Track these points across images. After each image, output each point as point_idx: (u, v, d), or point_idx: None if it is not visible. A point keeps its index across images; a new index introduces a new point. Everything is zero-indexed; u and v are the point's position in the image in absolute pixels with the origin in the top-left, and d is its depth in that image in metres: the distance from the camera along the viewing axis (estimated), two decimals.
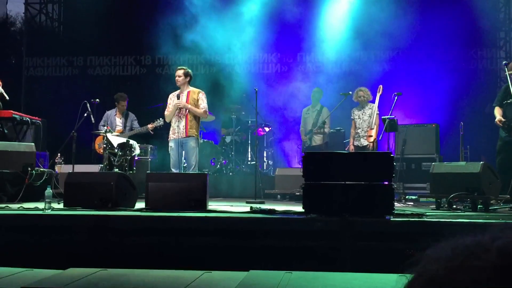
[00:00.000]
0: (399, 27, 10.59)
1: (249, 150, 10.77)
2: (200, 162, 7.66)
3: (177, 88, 7.69)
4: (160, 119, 9.07)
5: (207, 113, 7.66)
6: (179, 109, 7.44)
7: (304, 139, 9.77)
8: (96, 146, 9.34)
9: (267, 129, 10.91)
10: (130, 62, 13.13)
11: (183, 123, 7.41)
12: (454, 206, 5.76)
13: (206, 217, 4.82)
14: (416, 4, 10.93)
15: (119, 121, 9.37)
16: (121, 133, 9.10)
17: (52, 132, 10.27)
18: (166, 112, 7.70)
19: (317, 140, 9.55)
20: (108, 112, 9.47)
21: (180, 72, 7.58)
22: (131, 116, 9.50)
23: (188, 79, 7.59)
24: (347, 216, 4.51)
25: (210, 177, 5.78)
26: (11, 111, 7.95)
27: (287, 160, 11.38)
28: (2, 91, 7.83)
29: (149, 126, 9.07)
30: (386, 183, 4.67)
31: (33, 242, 4.71)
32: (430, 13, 10.99)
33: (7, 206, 5.78)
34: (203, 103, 7.53)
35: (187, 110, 7.42)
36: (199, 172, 7.65)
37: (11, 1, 17.83)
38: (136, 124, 9.40)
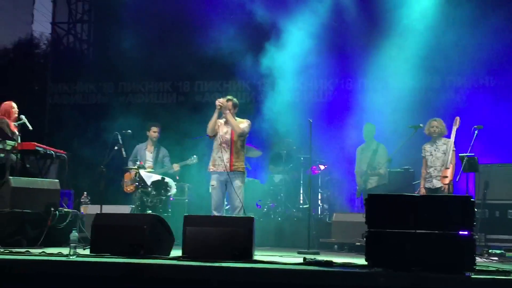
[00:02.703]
0: (482, 48, 10.50)
1: (302, 192, 10.75)
2: (244, 205, 7.70)
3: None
4: (195, 156, 9.23)
5: (243, 132, 7.63)
6: (221, 138, 7.56)
7: (359, 181, 9.71)
8: (124, 184, 9.53)
9: (322, 167, 10.88)
10: (166, 88, 13.45)
11: (227, 155, 7.52)
12: None
13: (252, 268, 4.84)
14: (508, 23, 10.85)
15: (149, 156, 9.56)
16: (150, 170, 9.27)
17: (78, 167, 10.56)
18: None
19: (373, 182, 9.48)
20: (138, 146, 9.67)
21: (229, 104, 7.73)
22: (163, 151, 9.67)
23: (236, 110, 7.81)
24: (418, 271, 4.45)
25: (255, 222, 5.80)
26: (34, 143, 8.21)
27: (347, 203, 11.28)
28: (26, 120, 8.16)
29: (175, 166, 9.25)
30: (466, 233, 4.59)
31: None
32: None
33: (27, 251, 5.94)
34: (244, 125, 7.66)
35: (232, 140, 7.55)
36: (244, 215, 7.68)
37: (37, 20, 18.66)
38: (167, 161, 9.56)
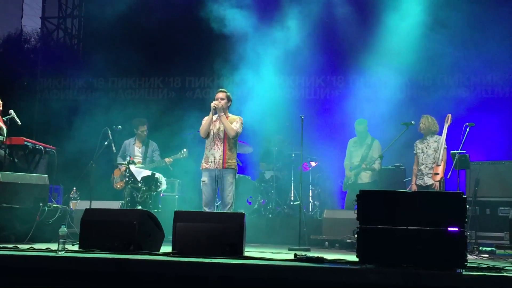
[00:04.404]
0: (474, 47, 10.53)
1: (292, 188, 10.74)
2: (235, 201, 7.69)
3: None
4: (184, 150, 9.21)
5: (237, 134, 7.59)
6: (214, 135, 7.52)
7: (349, 174, 9.69)
8: (113, 181, 9.49)
9: (313, 163, 10.89)
10: (157, 84, 13.39)
11: (220, 151, 7.48)
12: None
13: (242, 264, 4.81)
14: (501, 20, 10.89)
15: (138, 151, 9.54)
16: (140, 165, 9.24)
17: (68, 162, 10.48)
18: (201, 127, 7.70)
19: (364, 177, 9.49)
20: (126, 142, 9.65)
21: (222, 95, 7.67)
22: (153, 145, 9.66)
23: (229, 104, 7.74)
24: (409, 268, 4.44)
25: (246, 218, 5.78)
26: (23, 138, 8.15)
27: (338, 200, 11.30)
28: (14, 115, 8.08)
29: (167, 160, 9.24)
30: (457, 229, 4.59)
31: None
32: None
33: (15, 247, 5.90)
34: (237, 125, 7.59)
35: (225, 136, 7.51)
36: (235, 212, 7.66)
37: (26, 15, 18.53)
38: (157, 155, 9.55)
